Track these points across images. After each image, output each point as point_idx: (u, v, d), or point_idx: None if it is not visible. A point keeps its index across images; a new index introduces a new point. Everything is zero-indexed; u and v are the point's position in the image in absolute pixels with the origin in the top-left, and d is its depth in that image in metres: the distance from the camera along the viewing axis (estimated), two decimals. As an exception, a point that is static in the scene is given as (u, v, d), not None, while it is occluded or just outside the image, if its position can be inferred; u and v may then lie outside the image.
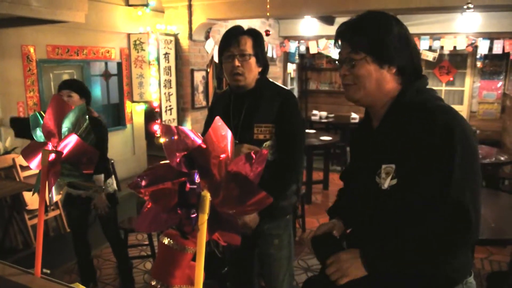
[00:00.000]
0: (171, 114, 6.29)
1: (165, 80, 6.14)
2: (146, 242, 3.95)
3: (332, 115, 8.59)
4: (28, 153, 1.06)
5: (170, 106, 6.28)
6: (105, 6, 5.97)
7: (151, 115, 6.61)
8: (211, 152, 0.78)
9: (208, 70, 6.98)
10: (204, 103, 6.76)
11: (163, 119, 6.17)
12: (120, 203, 3.46)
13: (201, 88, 6.64)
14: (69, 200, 3.32)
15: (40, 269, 1.05)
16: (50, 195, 1.07)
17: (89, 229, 3.45)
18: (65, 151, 1.03)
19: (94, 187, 3.09)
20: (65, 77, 5.75)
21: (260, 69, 2.16)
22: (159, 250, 0.94)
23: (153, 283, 0.91)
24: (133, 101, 6.56)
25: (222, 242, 0.87)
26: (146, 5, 6.29)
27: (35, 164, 1.06)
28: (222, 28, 6.92)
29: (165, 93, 6.14)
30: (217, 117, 0.83)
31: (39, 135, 1.10)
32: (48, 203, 1.07)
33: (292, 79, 9.88)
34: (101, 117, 3.34)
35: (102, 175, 3.14)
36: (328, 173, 6.48)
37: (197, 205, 0.78)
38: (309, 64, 9.57)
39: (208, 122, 2.40)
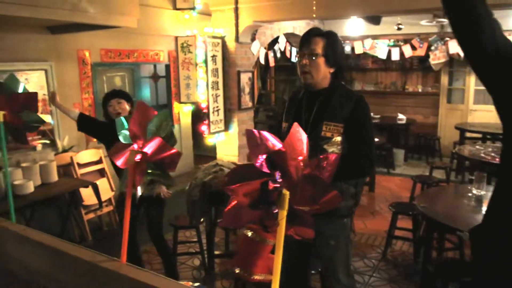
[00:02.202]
0: (218, 115, 6.42)
1: (213, 81, 6.28)
2: (195, 239, 4.05)
3: (378, 116, 8.46)
4: (115, 153, 1.15)
5: (217, 107, 6.41)
6: (154, 11, 6.18)
7: (198, 115, 6.77)
8: (290, 155, 0.84)
9: (254, 71, 7.07)
10: (250, 104, 6.85)
11: (211, 120, 6.31)
12: (170, 201, 3.57)
13: (247, 90, 6.73)
14: (122, 198, 3.48)
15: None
16: (135, 191, 1.16)
17: (140, 226, 3.58)
18: (149, 152, 1.11)
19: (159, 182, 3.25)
20: (117, 79, 6.01)
21: (332, 70, 2.24)
22: (241, 241, 1.02)
23: (237, 271, 1.00)
24: (180, 102, 6.75)
25: (296, 237, 0.92)
26: (193, 8, 6.45)
27: (121, 163, 1.15)
28: (267, 30, 6.99)
29: (212, 95, 6.28)
30: (295, 123, 0.90)
31: (125, 137, 1.18)
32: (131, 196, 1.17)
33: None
34: None
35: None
36: (375, 175, 6.40)
37: (278, 202, 0.84)
38: (354, 64, 9.45)
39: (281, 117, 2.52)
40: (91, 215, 4.86)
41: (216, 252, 4.04)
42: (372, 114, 8.28)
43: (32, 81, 4.77)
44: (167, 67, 6.66)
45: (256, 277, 0.97)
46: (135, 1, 4.54)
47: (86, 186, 4.35)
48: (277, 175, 0.84)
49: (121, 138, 1.20)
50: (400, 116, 8.22)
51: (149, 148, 1.11)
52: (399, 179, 7.10)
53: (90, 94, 5.46)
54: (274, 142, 0.85)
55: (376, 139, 6.04)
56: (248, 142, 0.86)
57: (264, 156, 0.85)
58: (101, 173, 5.16)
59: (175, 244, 3.85)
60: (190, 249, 4.26)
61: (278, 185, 0.84)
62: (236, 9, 6.30)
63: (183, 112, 6.89)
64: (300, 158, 0.84)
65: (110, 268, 1.04)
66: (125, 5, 4.37)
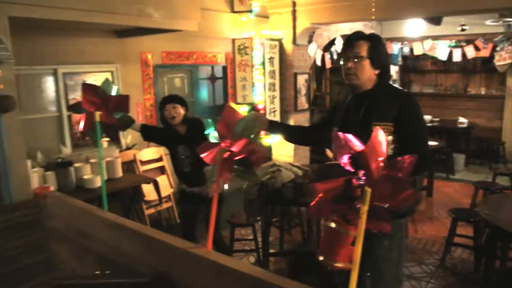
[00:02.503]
0: (274, 116, 6.51)
1: (270, 83, 6.37)
2: (251, 237, 4.15)
3: (437, 119, 8.19)
4: (203, 150, 1.25)
5: (274, 108, 6.49)
6: (212, 14, 6.36)
7: (253, 116, 6.87)
8: (371, 156, 0.91)
9: (310, 73, 7.09)
10: (306, 106, 6.88)
11: (266, 120, 6.39)
12: (227, 199, 3.68)
13: (303, 91, 6.77)
14: (183, 195, 3.63)
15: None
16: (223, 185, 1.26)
17: (198, 224, 3.71)
18: (237, 151, 1.19)
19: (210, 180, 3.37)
20: (177, 80, 6.24)
21: (377, 72, 2.26)
22: (325, 232, 1.11)
23: (321, 258, 1.09)
24: (236, 103, 6.89)
25: (374, 230, 0.97)
26: (250, 11, 6.57)
27: (208, 159, 1.25)
28: (324, 32, 6.98)
29: (269, 96, 6.37)
30: (379, 129, 0.96)
31: (213, 136, 1.28)
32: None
33: (394, 81, 9.58)
34: (202, 118, 3.69)
35: (211, 166, 3.43)
36: (433, 180, 6.21)
37: (360, 198, 0.91)
38: (412, 65, 9.21)
39: (326, 118, 2.58)
40: (151, 210, 5.09)
41: (271, 251, 4.11)
42: (430, 117, 8.11)
43: (99, 82, 5.05)
44: (224, 68, 6.82)
45: (338, 264, 1.05)
46: (197, 5, 4.71)
47: (148, 182, 4.56)
48: (360, 173, 0.90)
49: (208, 138, 1.29)
50: (461, 119, 7.91)
51: (236, 147, 1.19)
52: (458, 184, 6.84)
53: (151, 94, 5.71)
54: (356, 144, 0.91)
55: (435, 143, 5.87)
56: (334, 144, 0.92)
57: (348, 156, 0.91)
58: (161, 170, 5.39)
59: (231, 241, 3.95)
60: (245, 247, 4.36)
61: (361, 183, 0.89)
62: (294, 12, 6.35)
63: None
64: (381, 159, 0.89)
65: (198, 254, 1.14)
66: (187, 9, 4.55)
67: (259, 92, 6.40)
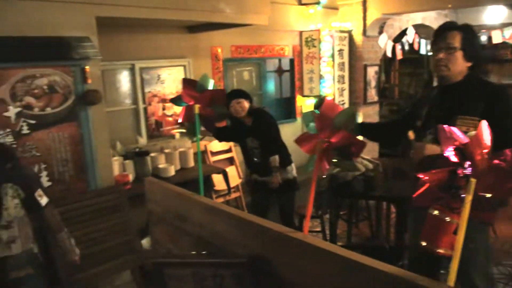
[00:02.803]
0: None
1: (339, 75, 6.32)
2: (318, 229, 4.18)
3: (517, 112, 7.67)
4: (301, 141, 1.33)
5: (342, 101, 6.44)
6: (280, 7, 6.39)
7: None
8: (476, 148, 0.94)
9: (380, 64, 6.94)
10: (375, 98, 6.75)
11: (334, 113, 6.37)
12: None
13: (373, 83, 6.64)
14: (254, 185, 3.74)
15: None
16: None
17: (269, 213, 3.80)
18: (335, 142, 1.26)
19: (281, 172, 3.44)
20: (245, 73, 6.36)
21: (469, 64, 2.17)
22: (428, 219, 1.15)
23: (424, 243, 1.17)
24: (303, 96, 6.90)
25: (476, 219, 1.00)
26: (318, 3, 6.52)
27: (306, 149, 1.33)
28: (396, 22, 6.78)
29: (338, 88, 6.32)
30: (483, 121, 1.00)
31: (312, 127, 1.36)
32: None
33: (486, 73, 9.08)
34: (266, 108, 3.76)
35: (277, 156, 3.50)
36: None
37: (465, 187, 0.94)
38: (490, 55, 8.67)
39: (409, 113, 2.50)
40: (220, 199, 5.27)
41: (338, 244, 4.11)
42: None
43: (173, 76, 5.30)
44: (291, 61, 6.84)
45: (440, 250, 1.09)
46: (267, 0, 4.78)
47: (218, 173, 4.73)
48: (466, 164, 0.94)
49: (308, 129, 1.37)
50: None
51: (335, 139, 1.25)
52: (541, 182, 6.38)
53: (221, 87, 5.87)
54: (461, 136, 0.94)
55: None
56: (440, 136, 0.97)
57: (453, 148, 0.95)
58: (230, 161, 5.55)
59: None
60: (312, 239, 4.38)
61: (466, 173, 0.93)
62: (364, 3, 6.22)
63: (305, 105, 7.03)
64: (485, 150, 0.93)
65: (295, 237, 1.21)
66: (257, 4, 4.63)
67: (328, 85, 6.36)
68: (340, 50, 6.31)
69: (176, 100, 2.72)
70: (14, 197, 2.25)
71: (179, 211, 1.81)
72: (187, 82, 2.65)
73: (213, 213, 1.51)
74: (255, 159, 3.65)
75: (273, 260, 1.21)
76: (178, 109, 5.25)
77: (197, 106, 2.14)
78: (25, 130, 3.01)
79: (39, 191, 2.34)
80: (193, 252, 1.50)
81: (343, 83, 6.43)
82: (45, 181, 3.15)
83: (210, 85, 2.28)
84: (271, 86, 6.84)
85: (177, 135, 5.26)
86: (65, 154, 3.23)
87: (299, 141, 1.33)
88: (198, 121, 2.12)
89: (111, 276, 3.62)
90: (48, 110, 3.09)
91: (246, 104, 3.59)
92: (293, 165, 3.71)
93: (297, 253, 1.19)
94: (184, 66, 5.39)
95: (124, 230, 3.43)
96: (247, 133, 3.62)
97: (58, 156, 3.20)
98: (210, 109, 2.18)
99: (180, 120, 2.27)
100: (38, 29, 2.99)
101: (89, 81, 3.20)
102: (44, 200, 2.33)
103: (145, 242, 3.82)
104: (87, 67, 3.18)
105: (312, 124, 1.35)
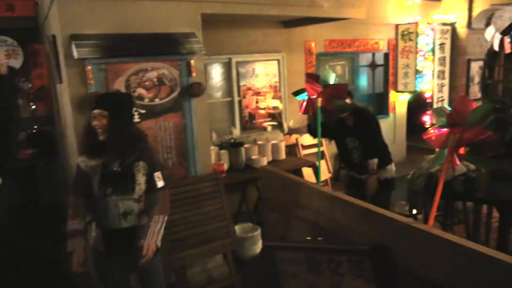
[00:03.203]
0: (442, 105, 6.15)
1: (439, 71, 6.03)
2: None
3: None
4: (430, 136, 1.35)
5: (441, 97, 6.14)
6: (376, 0, 6.22)
7: (416, 105, 6.60)
8: None
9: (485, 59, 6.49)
10: (478, 95, 6.34)
11: (433, 110, 6.10)
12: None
13: (476, 79, 6.25)
14: (351, 181, 3.71)
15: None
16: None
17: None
18: (469, 138, 1.27)
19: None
20: (338, 68, 6.31)
21: None
22: None
23: None
24: (397, 91, 6.68)
25: None
26: (417, -5, 6.27)
27: (437, 144, 1.35)
28: (505, 13, 6.27)
29: (437, 84, 6.03)
30: None
31: (441, 122, 1.38)
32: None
33: None
34: (367, 108, 3.65)
35: (376, 160, 3.39)
36: None
37: None
38: None
39: None
40: (309, 193, 5.31)
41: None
42: None
43: (266, 70, 5.43)
44: (386, 55, 6.66)
45: None
46: (365, -7, 4.70)
47: (309, 166, 4.78)
48: None
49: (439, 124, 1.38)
50: None
51: (469, 134, 1.25)
52: None
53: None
54: None
55: None
56: None
57: None
58: (321, 155, 5.56)
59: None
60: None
61: None
62: (471, -7, 5.86)
63: (399, 101, 6.80)
64: None
65: (421, 229, 1.24)
66: (355, -3, 4.57)
67: (427, 80, 6.09)
68: (442, 44, 5.99)
69: (298, 93, 2.90)
70: (143, 174, 2.49)
71: (295, 199, 1.89)
72: (310, 76, 2.82)
73: (333, 202, 1.55)
74: (354, 159, 3.55)
75: (396, 250, 1.22)
76: (271, 103, 5.39)
77: (319, 100, 2.26)
78: (137, 119, 3.29)
79: (158, 174, 2.56)
80: (308, 238, 1.56)
81: (443, 78, 6.11)
82: (152, 166, 3.42)
83: (332, 80, 2.39)
84: (363, 81, 6.72)
85: (269, 128, 5.39)
86: (169, 142, 3.48)
87: (427, 136, 1.33)
88: (320, 114, 2.25)
89: (205, 259, 3.85)
90: (157, 101, 3.35)
91: (347, 101, 3.50)
92: (393, 164, 3.57)
93: (421, 244, 1.20)
94: (278, 60, 5.49)
95: (219, 216, 3.61)
96: (348, 132, 3.51)
97: (163, 143, 3.46)
98: (331, 102, 2.29)
99: (300, 112, 2.40)
100: (149, 26, 3.25)
101: (194, 74, 3.41)
102: (160, 183, 2.55)
103: (237, 228, 4.00)
104: (192, 61, 3.39)
105: (442, 119, 1.34)
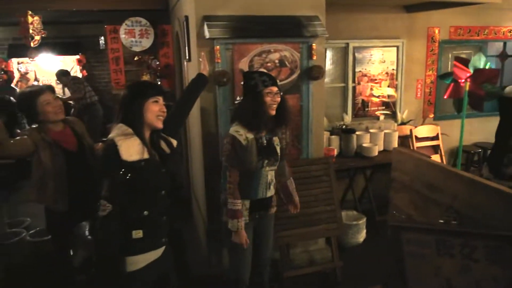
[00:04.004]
0: None
1: None
2: None
3: None
4: None
5: None
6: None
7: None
8: None
9: None
10: None
11: None
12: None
13: None
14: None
15: None
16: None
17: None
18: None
19: None
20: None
21: None
22: None
23: None
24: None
25: None
26: None
27: None
28: None
29: None
30: None
31: None
32: None
33: None
34: None
35: None
36: None
37: None
38: None
39: None
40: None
41: None
42: None
43: (384, 56, 5.25)
44: (520, 45, 6.04)
45: None
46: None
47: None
48: None
49: None
50: None
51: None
52: None
53: (433, 71, 5.58)
54: None
55: None
56: None
57: None
58: (435, 149, 5.28)
59: None
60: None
61: None
62: None
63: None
64: None
65: None
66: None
67: None
68: None
69: (444, 76, 2.84)
70: (277, 145, 2.78)
71: (430, 181, 1.85)
72: (459, 60, 2.75)
73: (474, 186, 1.49)
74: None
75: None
76: (386, 91, 5.22)
77: (467, 84, 2.22)
78: (257, 98, 3.42)
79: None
80: (441, 221, 1.53)
81: None
82: (266, 144, 3.55)
83: (483, 64, 2.33)
84: (491, 72, 6.17)
85: (381, 117, 5.25)
86: (285, 123, 3.57)
87: None
88: (466, 98, 2.21)
89: (309, 241, 3.91)
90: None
91: None
92: None
93: None
94: (397, 47, 5.28)
95: (327, 200, 3.64)
96: None
97: (279, 124, 3.55)
98: (480, 87, 2.23)
99: (445, 95, 2.35)
100: (275, 9, 3.32)
101: (314, 57, 3.43)
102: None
103: (342, 215, 3.99)
104: (314, 44, 3.41)
105: None
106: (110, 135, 2.01)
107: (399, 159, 2.21)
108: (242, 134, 2.61)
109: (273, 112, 2.65)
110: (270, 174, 2.74)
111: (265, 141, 2.70)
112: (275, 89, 2.63)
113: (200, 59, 3.00)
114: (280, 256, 3.58)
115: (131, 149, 1.97)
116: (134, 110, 2.04)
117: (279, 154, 2.77)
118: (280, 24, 3.32)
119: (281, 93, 2.72)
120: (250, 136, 2.63)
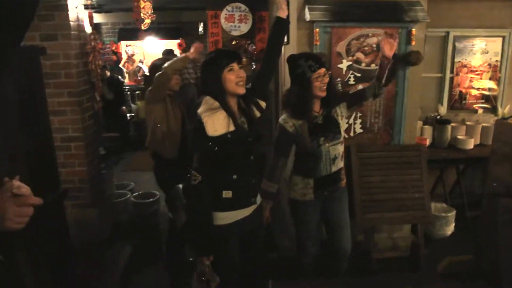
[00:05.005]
0: None
1: None
2: None
3: None
4: None
5: None
6: None
7: None
8: None
9: None
10: None
11: None
12: None
13: None
14: None
15: None
16: None
17: None
18: None
19: None
20: None
21: None
22: None
23: None
24: None
25: None
26: None
27: None
28: None
29: None
30: None
31: None
32: None
33: None
34: None
35: None
36: None
37: None
38: None
39: None
40: None
41: None
42: None
43: (488, 47, 4.99)
44: None
45: None
46: None
47: None
48: None
49: None
50: None
51: None
52: None
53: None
54: None
55: None
56: None
57: None
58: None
59: None
60: None
61: None
62: None
63: None
64: None
65: None
66: None
67: None
68: None
69: None
70: (342, 116, 2.78)
71: None
72: None
73: None
74: None
75: None
76: (486, 84, 4.98)
77: None
78: (352, 81, 3.50)
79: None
80: None
81: None
82: (357, 128, 3.62)
83: None
84: None
85: (480, 110, 5.01)
86: (378, 107, 3.60)
87: None
88: None
89: (394, 226, 3.92)
90: (373, 66, 3.48)
91: None
92: None
93: None
94: (503, 37, 4.99)
95: (417, 187, 3.62)
96: None
97: (372, 108, 3.59)
98: None
99: None
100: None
101: (413, 43, 3.42)
102: None
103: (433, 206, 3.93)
104: (413, 29, 3.39)
105: None
106: (199, 110, 2.11)
107: (501, 131, 2.20)
108: (288, 121, 2.64)
109: (324, 94, 2.59)
110: (332, 149, 2.68)
111: (320, 120, 2.66)
112: (322, 71, 2.55)
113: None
114: (365, 238, 3.64)
115: (217, 124, 2.07)
116: (212, 83, 2.10)
117: (340, 127, 2.72)
118: (380, 9, 3.35)
119: (329, 72, 2.65)
120: (298, 122, 2.63)
